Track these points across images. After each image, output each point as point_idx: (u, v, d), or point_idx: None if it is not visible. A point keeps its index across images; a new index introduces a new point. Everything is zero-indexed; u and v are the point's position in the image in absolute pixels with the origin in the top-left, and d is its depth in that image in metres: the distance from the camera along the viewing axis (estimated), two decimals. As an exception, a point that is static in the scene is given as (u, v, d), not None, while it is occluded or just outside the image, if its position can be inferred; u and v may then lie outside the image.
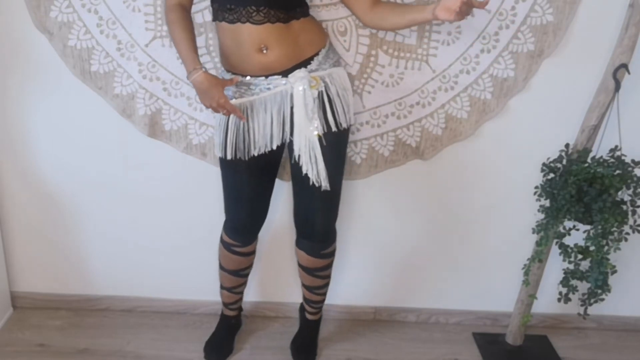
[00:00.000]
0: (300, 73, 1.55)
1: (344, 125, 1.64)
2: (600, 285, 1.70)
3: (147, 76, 1.81)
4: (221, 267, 1.91)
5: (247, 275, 1.95)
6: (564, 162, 1.81)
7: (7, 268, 2.12)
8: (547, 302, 2.11)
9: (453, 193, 2.01)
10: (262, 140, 1.62)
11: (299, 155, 1.59)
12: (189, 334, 2.09)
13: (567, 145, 1.83)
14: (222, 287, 1.97)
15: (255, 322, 2.17)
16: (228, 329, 2.05)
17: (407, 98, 1.85)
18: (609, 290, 1.72)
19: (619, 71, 1.73)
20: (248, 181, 1.70)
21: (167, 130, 1.90)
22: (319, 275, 1.88)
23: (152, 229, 2.05)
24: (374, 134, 1.90)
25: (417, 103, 1.86)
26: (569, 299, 1.80)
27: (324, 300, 1.98)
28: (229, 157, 1.63)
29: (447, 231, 2.07)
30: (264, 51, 1.52)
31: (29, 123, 1.91)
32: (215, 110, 1.56)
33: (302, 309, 2.06)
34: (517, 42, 1.77)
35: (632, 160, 1.73)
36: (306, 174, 1.60)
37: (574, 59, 1.80)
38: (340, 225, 2.05)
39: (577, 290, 1.80)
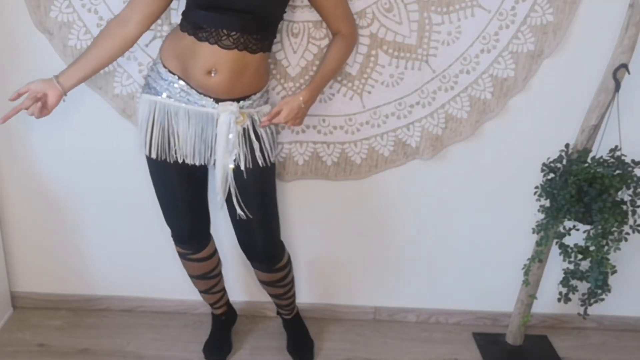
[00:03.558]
0: (231, 107, 1.56)
1: (271, 160, 1.66)
2: (600, 285, 1.70)
3: (147, 76, 1.81)
4: (188, 274, 1.90)
5: (217, 276, 1.94)
6: (564, 162, 1.81)
7: (7, 268, 2.12)
8: (547, 302, 2.11)
9: (453, 193, 2.01)
10: (185, 149, 1.61)
11: (219, 183, 1.62)
12: (189, 334, 2.09)
13: (567, 145, 1.83)
14: (199, 291, 1.96)
15: (255, 322, 2.17)
16: (222, 326, 2.05)
17: (407, 98, 1.85)
18: (609, 290, 1.72)
19: (619, 71, 1.73)
20: (179, 185, 1.69)
21: (167, 130, 1.90)
22: (279, 285, 1.87)
23: (152, 229, 2.05)
24: (374, 134, 1.90)
25: (417, 103, 1.86)
26: (569, 299, 1.80)
27: (293, 302, 1.98)
28: (153, 155, 1.62)
29: (447, 231, 2.07)
30: (212, 74, 1.52)
31: (28, 123, 1.91)
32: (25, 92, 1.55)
33: (279, 313, 2.06)
34: (517, 42, 1.77)
35: (632, 160, 1.73)
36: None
37: (574, 59, 1.80)
38: (340, 225, 2.06)
39: (577, 290, 1.80)
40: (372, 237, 2.09)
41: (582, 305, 1.80)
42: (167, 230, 1.95)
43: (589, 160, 1.78)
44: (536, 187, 1.84)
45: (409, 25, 1.75)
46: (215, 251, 1.90)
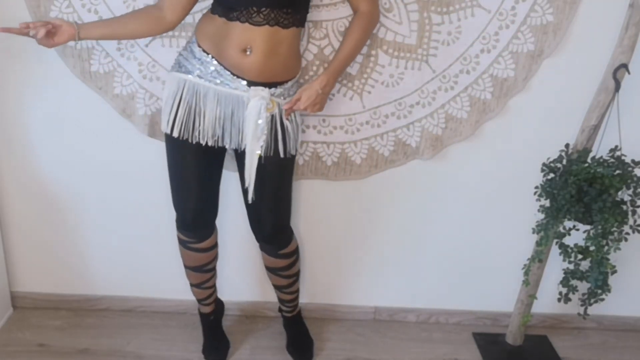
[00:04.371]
0: (263, 92, 1.55)
1: (292, 152, 1.67)
2: (600, 285, 1.70)
3: (147, 76, 1.81)
4: (184, 264, 1.91)
5: (212, 270, 1.93)
6: (564, 162, 1.81)
7: (7, 268, 2.12)
8: (547, 302, 2.11)
9: (453, 193, 2.01)
10: (212, 130, 1.61)
11: (248, 169, 1.62)
12: (189, 334, 2.09)
13: (567, 145, 1.83)
14: (190, 284, 1.96)
15: (255, 322, 2.17)
16: (212, 326, 2.04)
17: (407, 98, 1.85)
18: (609, 290, 1.73)
19: (619, 71, 1.73)
20: (195, 167, 1.68)
21: (167, 130, 1.90)
22: (282, 275, 1.88)
23: (152, 229, 2.05)
24: (374, 134, 1.90)
25: (417, 103, 1.86)
26: (569, 299, 1.80)
27: (296, 298, 1.99)
28: (175, 134, 1.61)
29: (447, 231, 2.07)
30: (248, 52, 1.52)
31: (28, 123, 1.91)
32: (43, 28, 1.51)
33: (280, 310, 2.06)
34: (517, 42, 1.77)
35: (632, 160, 1.73)
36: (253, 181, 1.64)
37: (574, 59, 1.80)
38: (340, 225, 2.06)
39: (577, 290, 1.80)
40: (372, 237, 2.09)
41: (582, 305, 1.80)
42: (168, 231, 1.96)
43: (589, 160, 1.78)
44: (536, 187, 1.84)
45: (409, 25, 1.75)
46: (215, 244, 1.90)
